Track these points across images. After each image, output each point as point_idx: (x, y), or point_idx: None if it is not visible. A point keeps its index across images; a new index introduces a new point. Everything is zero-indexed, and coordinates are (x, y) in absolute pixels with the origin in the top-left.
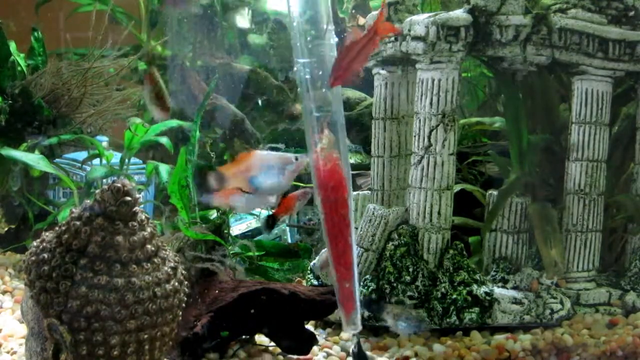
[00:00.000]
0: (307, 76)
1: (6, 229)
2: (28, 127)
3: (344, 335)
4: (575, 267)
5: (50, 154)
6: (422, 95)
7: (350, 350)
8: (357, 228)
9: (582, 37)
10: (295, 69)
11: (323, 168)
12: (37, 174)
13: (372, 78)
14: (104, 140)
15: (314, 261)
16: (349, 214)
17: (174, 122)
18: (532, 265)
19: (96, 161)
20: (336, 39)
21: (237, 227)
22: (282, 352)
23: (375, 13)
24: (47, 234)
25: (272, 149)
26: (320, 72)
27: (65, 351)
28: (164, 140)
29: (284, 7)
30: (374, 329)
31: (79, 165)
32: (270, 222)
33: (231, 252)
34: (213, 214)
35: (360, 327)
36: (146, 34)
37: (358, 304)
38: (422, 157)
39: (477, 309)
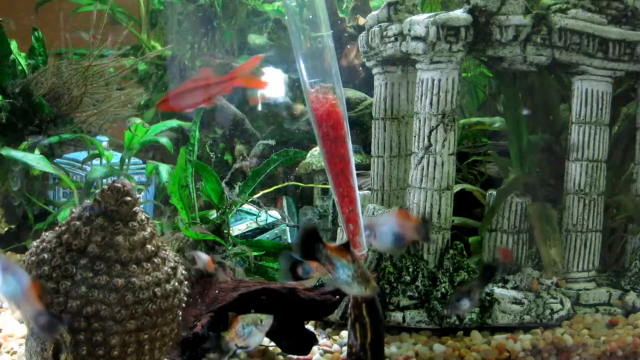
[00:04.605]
0: (297, 17)
1: (6, 229)
2: (29, 126)
3: None
4: (575, 267)
5: (50, 153)
6: (422, 95)
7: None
8: None
9: (582, 37)
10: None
11: (321, 107)
12: (37, 173)
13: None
14: (104, 140)
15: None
16: (348, 153)
17: (174, 122)
18: (532, 265)
19: (96, 161)
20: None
21: (237, 227)
22: (282, 352)
23: (252, 60)
24: (47, 234)
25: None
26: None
27: (65, 351)
28: (164, 140)
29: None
30: None
31: (79, 165)
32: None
33: (231, 252)
34: (213, 214)
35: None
36: (146, 34)
37: (364, 245)
38: (422, 157)
39: (477, 309)
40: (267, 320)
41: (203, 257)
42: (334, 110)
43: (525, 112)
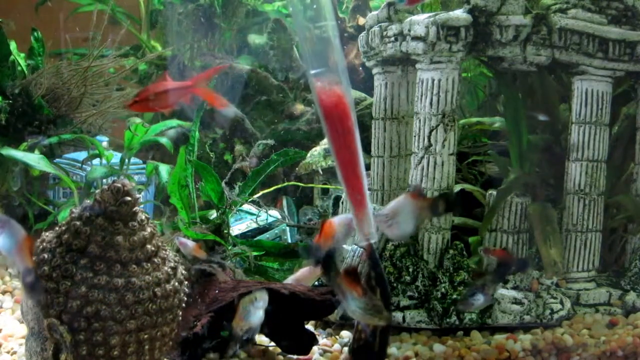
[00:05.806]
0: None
1: None
2: (28, 127)
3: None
4: (575, 267)
5: (50, 153)
6: (422, 95)
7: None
8: None
9: (582, 37)
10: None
11: (327, 99)
12: (37, 173)
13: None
14: (104, 140)
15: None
16: (355, 144)
17: (174, 122)
18: (532, 265)
19: (96, 161)
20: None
21: (237, 227)
22: (282, 352)
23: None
24: (47, 234)
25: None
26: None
27: (65, 351)
28: (164, 140)
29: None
30: None
31: (79, 165)
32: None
33: (231, 252)
34: (213, 214)
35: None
36: (146, 34)
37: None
38: (422, 157)
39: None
40: (261, 295)
41: (189, 244)
42: (341, 102)
43: (541, 117)
